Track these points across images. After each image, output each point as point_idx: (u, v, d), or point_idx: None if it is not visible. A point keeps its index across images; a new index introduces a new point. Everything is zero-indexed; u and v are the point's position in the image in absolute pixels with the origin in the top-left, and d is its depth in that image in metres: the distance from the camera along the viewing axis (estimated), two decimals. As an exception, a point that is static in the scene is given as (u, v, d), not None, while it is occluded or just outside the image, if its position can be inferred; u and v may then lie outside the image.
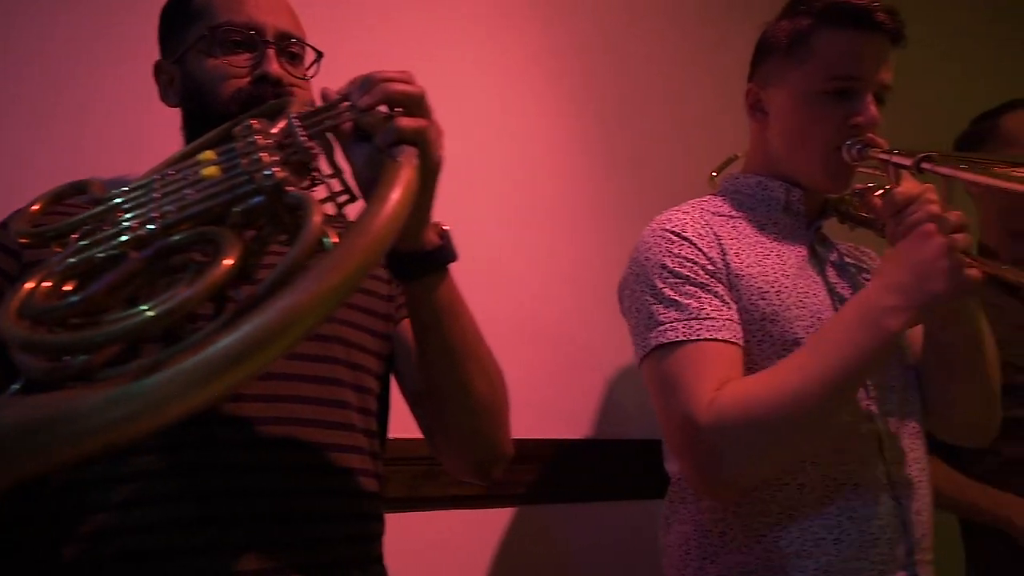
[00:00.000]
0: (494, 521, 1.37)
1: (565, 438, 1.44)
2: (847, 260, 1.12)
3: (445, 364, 0.78)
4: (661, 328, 0.97)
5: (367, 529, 0.85)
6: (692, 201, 1.12)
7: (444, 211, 1.37)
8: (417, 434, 1.24)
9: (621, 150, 1.64)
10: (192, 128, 0.90)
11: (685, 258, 1.00)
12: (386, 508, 1.26)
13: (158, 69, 0.94)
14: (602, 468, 1.44)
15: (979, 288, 0.90)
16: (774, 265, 1.03)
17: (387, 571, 0.90)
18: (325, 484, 0.80)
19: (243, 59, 0.85)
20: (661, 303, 0.98)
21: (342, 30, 1.37)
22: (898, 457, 0.99)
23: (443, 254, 0.74)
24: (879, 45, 1.02)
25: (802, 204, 1.10)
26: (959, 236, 0.88)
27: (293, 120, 0.63)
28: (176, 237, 0.54)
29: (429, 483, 1.29)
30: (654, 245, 1.03)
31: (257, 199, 0.56)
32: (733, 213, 1.10)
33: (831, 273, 1.08)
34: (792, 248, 1.07)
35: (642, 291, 1.01)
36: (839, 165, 1.03)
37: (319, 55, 0.93)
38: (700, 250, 1.01)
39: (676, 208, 1.09)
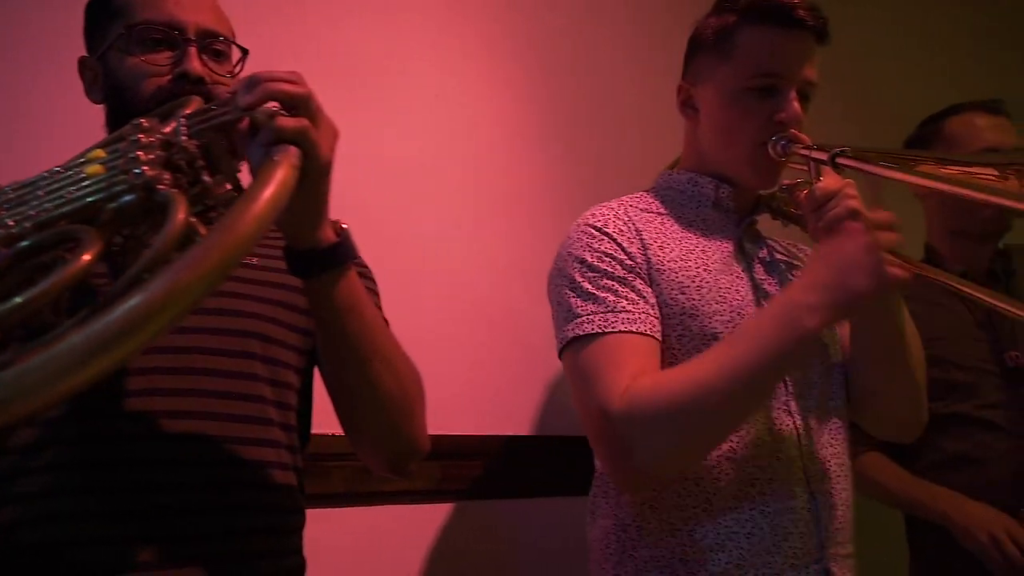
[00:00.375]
0: (439, 516, 1.38)
1: (513, 434, 1.45)
2: (778, 256, 1.13)
3: (348, 360, 0.78)
4: (578, 320, 0.98)
5: (281, 522, 0.86)
6: (624, 197, 1.13)
7: (398, 206, 1.40)
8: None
9: (580, 144, 1.64)
10: (114, 125, 0.90)
11: (604, 253, 1.01)
12: (329, 503, 1.28)
13: (82, 65, 0.94)
14: (549, 464, 1.44)
15: (902, 286, 0.88)
16: (696, 261, 1.04)
17: (306, 563, 0.91)
18: (234, 477, 0.80)
19: (164, 57, 0.86)
20: (580, 296, 1.00)
21: (285, 21, 1.38)
22: (816, 452, 1.00)
23: (340, 252, 0.74)
24: (801, 42, 1.02)
25: (732, 200, 1.11)
26: (883, 234, 0.88)
27: (181, 119, 0.64)
28: (39, 235, 0.54)
29: (371, 478, 1.30)
30: (576, 240, 1.04)
31: (128, 197, 0.56)
32: (662, 209, 1.11)
33: (758, 269, 1.08)
34: (719, 244, 1.08)
35: (563, 285, 1.03)
36: (765, 161, 1.04)
37: (244, 53, 0.93)
38: (620, 245, 1.02)
39: (604, 204, 1.10)
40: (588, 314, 0.98)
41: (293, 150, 0.62)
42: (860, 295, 0.86)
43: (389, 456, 0.86)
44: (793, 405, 1.00)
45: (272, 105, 0.65)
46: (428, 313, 1.43)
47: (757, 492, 0.95)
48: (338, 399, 0.84)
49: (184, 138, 0.61)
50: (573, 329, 0.98)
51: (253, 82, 0.66)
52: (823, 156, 0.95)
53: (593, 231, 1.04)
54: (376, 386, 0.79)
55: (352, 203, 1.36)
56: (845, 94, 1.95)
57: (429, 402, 1.37)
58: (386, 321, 0.94)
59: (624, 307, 0.97)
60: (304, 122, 0.65)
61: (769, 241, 1.15)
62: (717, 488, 0.96)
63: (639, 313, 0.97)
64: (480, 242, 1.49)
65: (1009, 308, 0.83)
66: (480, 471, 1.40)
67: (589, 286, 0.99)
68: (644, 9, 1.77)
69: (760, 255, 1.11)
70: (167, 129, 0.64)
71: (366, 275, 0.98)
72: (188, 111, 0.67)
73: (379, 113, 1.44)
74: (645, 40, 1.76)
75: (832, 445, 1.03)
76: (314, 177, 0.67)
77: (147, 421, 0.77)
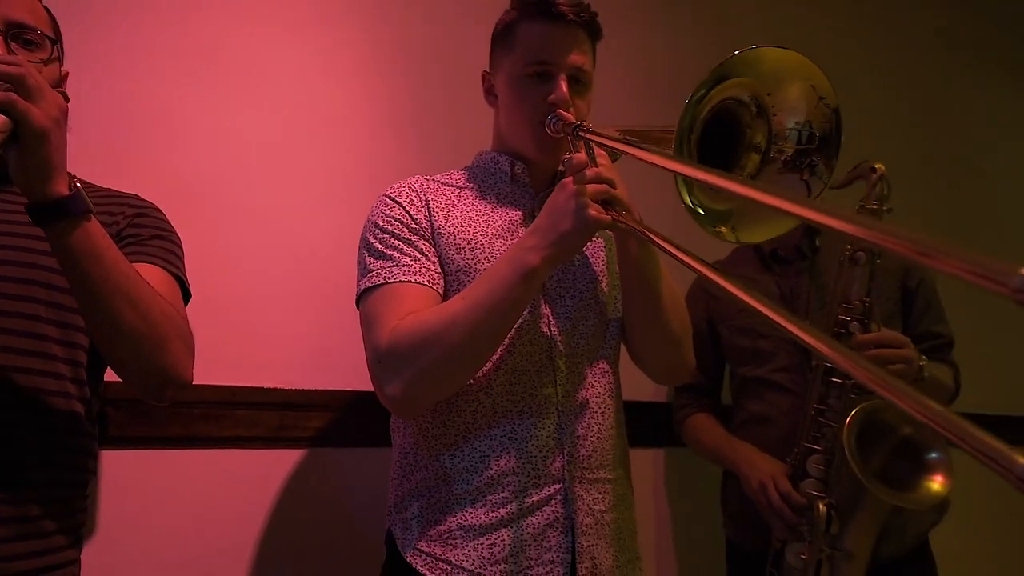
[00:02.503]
0: (277, 461, 1.50)
1: (354, 389, 1.57)
2: None
3: (91, 298, 0.88)
4: (369, 275, 1.12)
5: (60, 441, 0.98)
6: (438, 174, 1.27)
7: (253, 183, 1.52)
8: (195, 379, 1.36)
9: (428, 115, 1.75)
10: None
11: (393, 218, 1.15)
12: (161, 445, 1.39)
13: None
14: (381, 416, 1.56)
15: (601, 227, 1.03)
16: (477, 226, 1.18)
17: (89, 477, 1.03)
18: (7, 399, 0.92)
19: None
20: (372, 255, 1.14)
21: (149, 15, 1.49)
22: (574, 389, 1.14)
23: (71, 205, 0.84)
24: (567, 33, 1.17)
25: (527, 176, 1.25)
26: (591, 186, 1.03)
27: None
28: None
29: (209, 423, 1.42)
30: (375, 208, 1.19)
31: None
32: (462, 183, 1.25)
33: None
34: (507, 213, 1.21)
35: (362, 247, 1.17)
36: (544, 138, 1.18)
37: (54, 41, 1.04)
38: (407, 212, 1.16)
39: (408, 178, 1.23)
40: (376, 269, 1.12)
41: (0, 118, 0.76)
42: (565, 234, 1.01)
43: (144, 384, 0.96)
44: (558, 351, 1.15)
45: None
46: (277, 278, 1.55)
47: (508, 422, 1.10)
48: (91, 334, 0.96)
49: None
50: (364, 283, 1.12)
51: None
52: (568, 130, 1.10)
53: (388, 200, 1.18)
54: (118, 321, 0.89)
55: (212, 180, 1.50)
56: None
57: (272, 359, 1.51)
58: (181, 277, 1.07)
59: (406, 262, 1.11)
60: (10, 95, 0.78)
61: None
62: (475, 419, 1.10)
63: (419, 267, 1.11)
64: (327, 215, 1.60)
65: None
66: (324, 422, 1.53)
67: (379, 246, 1.14)
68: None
69: None
70: None
71: (168, 238, 1.11)
72: None
73: (239, 99, 1.56)
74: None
75: (594, 387, 1.17)
76: (29, 141, 0.79)
77: None
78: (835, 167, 0.92)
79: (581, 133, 1.08)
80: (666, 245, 0.92)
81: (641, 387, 1.58)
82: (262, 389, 1.49)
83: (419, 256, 1.13)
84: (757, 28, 2.28)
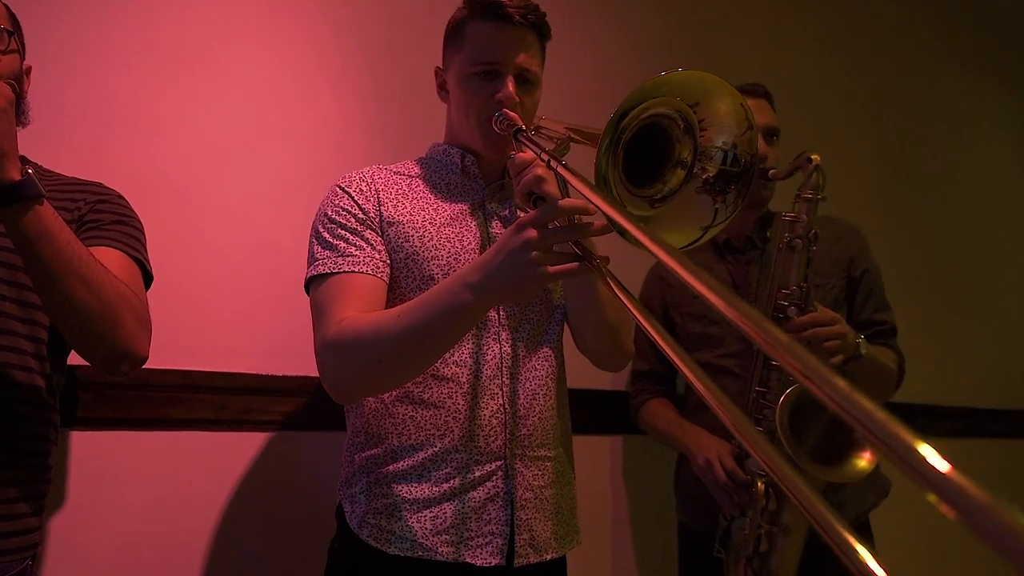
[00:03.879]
0: (247, 444, 1.55)
1: (316, 376, 1.61)
2: (521, 214, 1.32)
3: (45, 277, 0.93)
4: (316, 264, 1.17)
5: (21, 409, 1.03)
6: (393, 164, 1.32)
7: (216, 179, 1.57)
8: (162, 364, 1.42)
9: (390, 110, 1.80)
10: None
11: (342, 208, 1.20)
12: (129, 426, 1.44)
13: None
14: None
15: (549, 282, 0.96)
16: (425, 215, 1.23)
17: (51, 448, 1.09)
18: None
19: None
20: (320, 244, 1.18)
21: (113, 10, 1.54)
22: (519, 374, 1.20)
23: (21, 189, 0.89)
24: (515, 34, 1.21)
25: (476, 168, 1.30)
26: (557, 234, 0.91)
27: None
28: None
29: (173, 406, 1.47)
30: (325, 198, 1.23)
31: None
32: (415, 173, 1.30)
33: (496, 225, 1.27)
34: (456, 203, 1.26)
35: (312, 235, 1.22)
36: (492, 134, 1.22)
37: (11, 33, 1.09)
38: (356, 202, 1.20)
39: (362, 168, 1.28)
40: (323, 258, 1.16)
41: None
42: (508, 285, 0.94)
43: (101, 359, 1.02)
44: (504, 335, 1.20)
45: None
46: (244, 268, 1.60)
47: (453, 403, 1.15)
48: (47, 312, 1.00)
49: None
50: (311, 271, 1.17)
51: None
52: (508, 132, 1.15)
53: (338, 190, 1.23)
54: (72, 300, 0.94)
55: (182, 173, 1.55)
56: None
57: (237, 345, 1.57)
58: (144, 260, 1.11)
59: (352, 252, 1.16)
60: None
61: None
62: (422, 400, 1.16)
63: (364, 257, 1.16)
64: (293, 206, 1.65)
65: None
66: (279, 406, 1.59)
67: (327, 235, 1.18)
68: None
69: (502, 213, 1.30)
70: None
71: (129, 223, 1.16)
72: None
73: (208, 95, 1.60)
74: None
75: (537, 369, 1.23)
76: None
77: None
78: (741, 205, 0.94)
79: (520, 137, 1.12)
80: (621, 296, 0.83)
81: (599, 376, 1.64)
82: (228, 374, 1.54)
83: (364, 246, 1.17)
84: (717, 24, 2.34)
